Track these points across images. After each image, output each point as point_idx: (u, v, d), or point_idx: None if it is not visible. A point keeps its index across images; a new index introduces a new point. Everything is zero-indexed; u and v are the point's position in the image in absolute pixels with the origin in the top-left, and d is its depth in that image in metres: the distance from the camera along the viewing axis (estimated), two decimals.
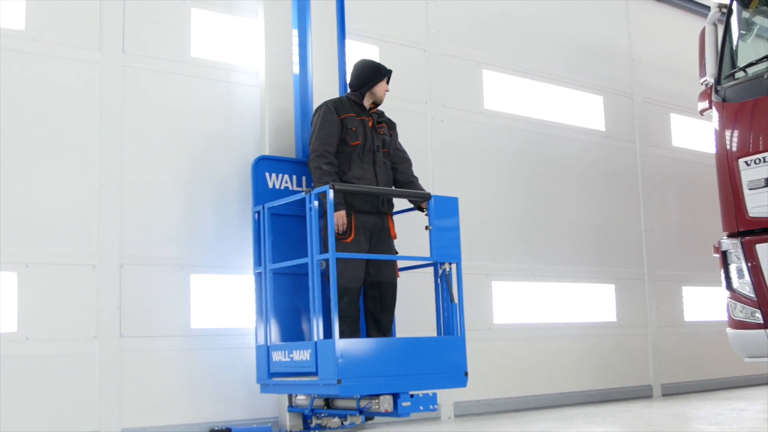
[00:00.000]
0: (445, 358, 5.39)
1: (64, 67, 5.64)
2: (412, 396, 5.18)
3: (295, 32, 6.35)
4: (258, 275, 5.77)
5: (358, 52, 6.78)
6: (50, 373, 5.31)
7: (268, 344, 5.62)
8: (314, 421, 5.82)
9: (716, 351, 9.13)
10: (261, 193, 5.87)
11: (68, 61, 5.65)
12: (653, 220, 9.16)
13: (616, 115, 9.07)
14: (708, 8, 6.99)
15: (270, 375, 5.57)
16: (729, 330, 6.26)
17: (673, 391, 8.84)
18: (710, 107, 6.44)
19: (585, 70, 8.82)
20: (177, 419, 5.71)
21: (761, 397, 8.16)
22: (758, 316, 5.97)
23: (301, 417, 5.93)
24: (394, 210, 5.88)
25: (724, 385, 9.38)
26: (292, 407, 5.86)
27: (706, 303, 9.47)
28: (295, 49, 6.34)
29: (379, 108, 5.98)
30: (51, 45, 5.60)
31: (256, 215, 5.77)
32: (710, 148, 6.80)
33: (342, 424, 5.82)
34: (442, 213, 5.56)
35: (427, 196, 5.59)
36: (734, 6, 6.48)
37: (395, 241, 5.85)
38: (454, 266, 5.58)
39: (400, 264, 5.86)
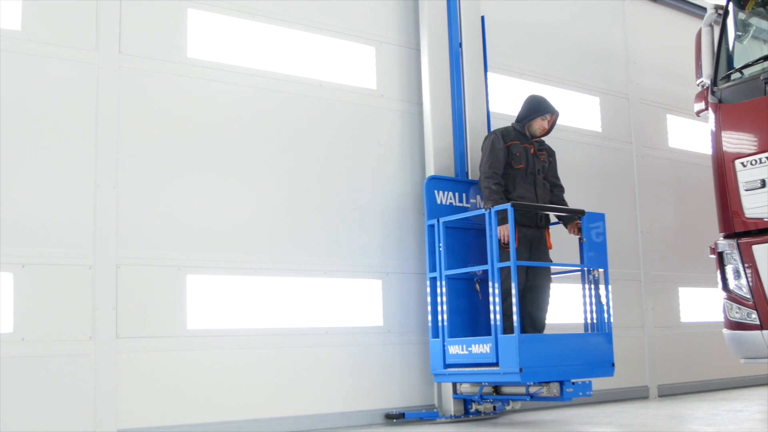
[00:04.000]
0: (596, 351, 6.20)
1: (61, 68, 5.62)
2: (573, 383, 5.97)
3: (448, 67, 7.16)
4: (432, 279, 6.51)
5: None
6: (46, 374, 5.29)
7: (444, 339, 6.33)
8: (473, 407, 6.64)
9: (712, 352, 9.14)
10: (431, 208, 6.65)
11: (64, 62, 5.64)
12: (649, 221, 9.16)
13: (612, 116, 9.08)
14: (704, 9, 7.02)
15: (446, 366, 6.31)
16: (725, 331, 6.26)
17: (669, 392, 8.84)
18: (706, 108, 6.44)
19: (581, 72, 8.82)
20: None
21: (758, 397, 8.17)
22: (754, 317, 5.97)
23: (462, 403, 6.72)
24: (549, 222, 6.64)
25: (720, 386, 9.38)
26: (456, 395, 6.64)
27: (703, 304, 9.47)
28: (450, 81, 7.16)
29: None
30: (47, 45, 5.58)
31: (430, 228, 6.55)
32: (706, 149, 6.83)
33: (494, 409, 6.70)
34: (592, 227, 6.35)
35: (581, 213, 6.38)
36: (730, 7, 6.49)
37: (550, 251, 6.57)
38: (601, 272, 6.33)
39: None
